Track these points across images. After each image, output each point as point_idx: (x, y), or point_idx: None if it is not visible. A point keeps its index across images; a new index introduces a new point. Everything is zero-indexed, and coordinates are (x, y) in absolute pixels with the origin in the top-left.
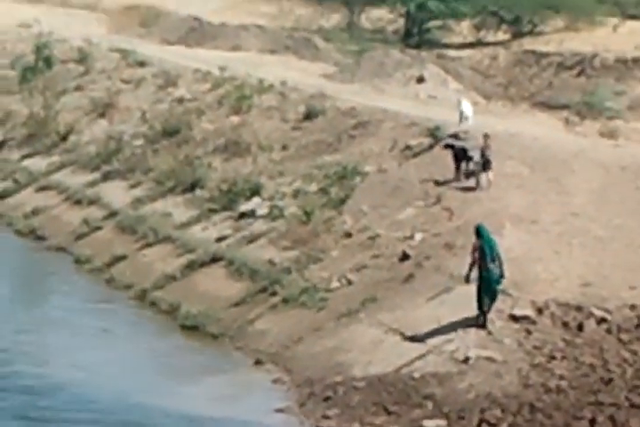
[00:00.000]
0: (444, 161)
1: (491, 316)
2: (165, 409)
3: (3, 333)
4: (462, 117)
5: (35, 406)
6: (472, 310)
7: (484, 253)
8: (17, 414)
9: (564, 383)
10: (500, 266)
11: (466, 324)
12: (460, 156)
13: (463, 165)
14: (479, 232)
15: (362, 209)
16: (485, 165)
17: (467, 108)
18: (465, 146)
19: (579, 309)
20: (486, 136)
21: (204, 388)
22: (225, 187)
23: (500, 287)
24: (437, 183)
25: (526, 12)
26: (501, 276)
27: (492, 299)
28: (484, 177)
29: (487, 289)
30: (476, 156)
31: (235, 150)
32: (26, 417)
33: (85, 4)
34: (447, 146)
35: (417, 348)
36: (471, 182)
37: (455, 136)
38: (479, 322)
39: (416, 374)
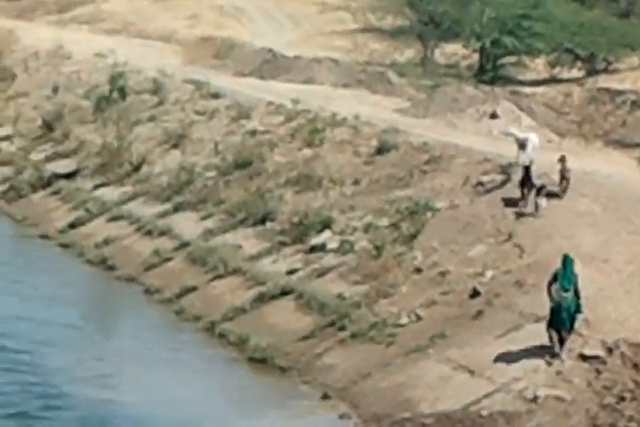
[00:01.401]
0: (516, 198)
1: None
2: None
3: (73, 362)
4: (525, 147)
5: None
6: (541, 349)
7: (555, 280)
8: None
9: (633, 425)
10: (576, 299)
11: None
12: (525, 181)
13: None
14: (563, 261)
15: (432, 245)
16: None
17: (533, 138)
18: (530, 173)
19: None
20: (563, 159)
21: (271, 421)
22: (296, 220)
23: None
24: (506, 203)
25: (601, 50)
26: (577, 310)
27: (561, 328)
28: (543, 202)
29: (554, 317)
30: (548, 181)
31: (306, 184)
32: None
33: (161, 35)
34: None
35: (485, 385)
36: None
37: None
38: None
39: (484, 412)
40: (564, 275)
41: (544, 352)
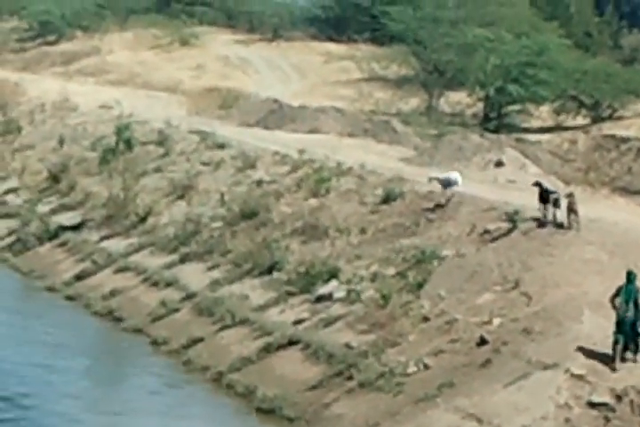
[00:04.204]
0: (522, 246)
1: (569, 402)
2: None
3: (82, 415)
4: (450, 184)
5: None
6: (550, 397)
7: (618, 295)
8: None
9: None
10: (637, 312)
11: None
12: (545, 196)
13: (551, 210)
14: (627, 277)
15: (439, 293)
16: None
17: (455, 175)
18: (549, 188)
19: None
20: (571, 195)
21: None
22: (302, 270)
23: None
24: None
25: (606, 97)
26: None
27: (627, 340)
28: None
29: (620, 329)
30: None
31: (312, 233)
32: None
33: (166, 86)
34: (536, 184)
35: None
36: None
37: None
38: (611, 361)
39: None
40: (625, 289)
41: (552, 400)
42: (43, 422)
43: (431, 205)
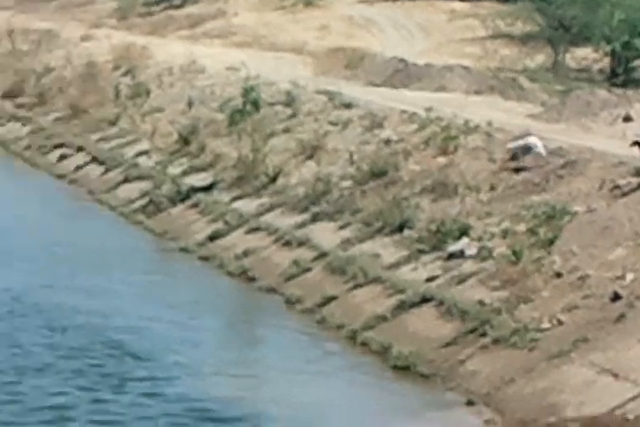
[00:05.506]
0: None
1: None
2: None
3: (218, 373)
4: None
5: None
6: None
7: None
8: None
9: None
10: None
11: None
12: None
13: None
14: None
15: (571, 249)
16: None
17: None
18: None
19: None
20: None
21: None
22: (433, 227)
23: None
24: None
25: None
26: None
27: None
28: None
29: None
30: None
31: (442, 191)
32: None
33: (291, 47)
34: (635, 143)
35: (630, 389)
36: None
37: None
38: None
39: (630, 416)
40: None
41: None
42: (177, 379)
43: (561, 161)
